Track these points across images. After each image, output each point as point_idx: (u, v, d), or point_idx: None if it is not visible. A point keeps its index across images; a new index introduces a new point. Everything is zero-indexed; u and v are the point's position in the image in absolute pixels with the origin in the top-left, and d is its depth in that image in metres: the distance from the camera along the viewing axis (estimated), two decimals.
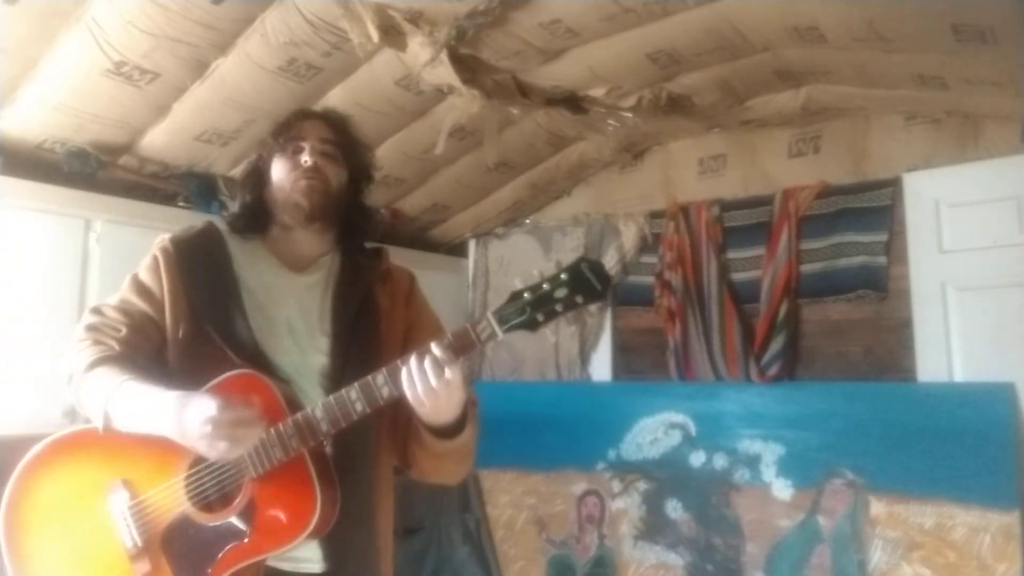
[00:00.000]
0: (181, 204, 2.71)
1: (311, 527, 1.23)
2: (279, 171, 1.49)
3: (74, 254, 2.39)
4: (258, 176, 1.53)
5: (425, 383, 1.23)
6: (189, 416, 1.19)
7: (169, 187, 2.66)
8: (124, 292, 1.43)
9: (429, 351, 1.24)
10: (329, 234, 1.53)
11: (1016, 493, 2.30)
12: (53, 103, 2.17)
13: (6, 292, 2.23)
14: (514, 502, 3.20)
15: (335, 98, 2.43)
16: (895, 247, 2.74)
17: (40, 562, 1.31)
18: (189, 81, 2.22)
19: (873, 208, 2.78)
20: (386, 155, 2.87)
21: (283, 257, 1.50)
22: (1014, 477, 2.32)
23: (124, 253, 2.39)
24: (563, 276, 1.24)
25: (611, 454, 3.05)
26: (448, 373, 1.23)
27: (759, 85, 2.72)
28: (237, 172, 2.68)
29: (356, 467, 1.37)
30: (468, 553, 3.13)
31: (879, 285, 2.75)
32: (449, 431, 1.36)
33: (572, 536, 3.06)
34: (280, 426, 1.25)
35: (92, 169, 2.38)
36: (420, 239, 3.62)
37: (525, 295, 1.25)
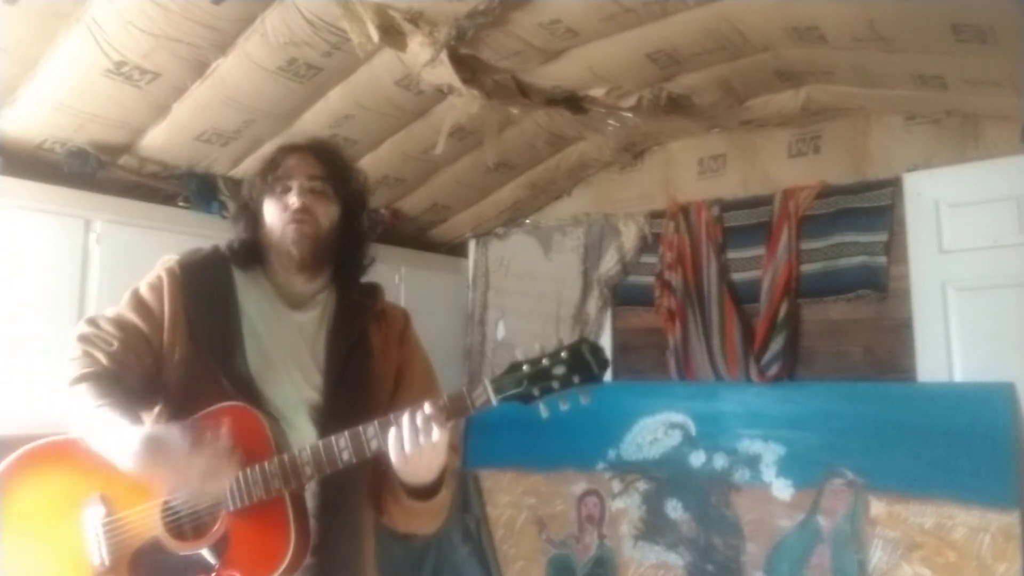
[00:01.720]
0: (181, 204, 2.71)
1: (281, 570, 1.23)
2: (269, 213, 1.47)
3: (74, 254, 2.39)
4: (251, 216, 1.51)
5: (412, 441, 1.23)
6: (157, 462, 1.18)
7: (169, 187, 2.66)
8: (123, 307, 1.43)
9: (421, 410, 1.25)
10: (324, 272, 1.52)
11: (1016, 493, 2.30)
12: (53, 103, 2.16)
13: (6, 292, 2.23)
14: (514, 502, 3.20)
15: (335, 98, 2.44)
16: (895, 247, 2.74)
17: (10, 565, 1.30)
18: (189, 81, 2.22)
19: (873, 208, 2.78)
20: (386, 155, 2.87)
21: (281, 291, 1.49)
22: (1014, 477, 2.32)
23: (124, 253, 2.40)
24: (563, 355, 1.26)
25: (611, 454, 3.05)
26: (435, 435, 1.24)
27: (759, 85, 2.72)
28: (237, 172, 2.69)
29: (344, 509, 1.38)
30: (468, 553, 3.14)
31: (879, 285, 2.75)
32: (424, 492, 1.36)
33: (572, 536, 3.06)
34: (265, 465, 1.25)
35: (92, 169, 2.38)
36: (420, 239, 3.62)
37: (524, 367, 1.26)
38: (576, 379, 1.25)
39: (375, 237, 3.19)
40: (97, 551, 1.27)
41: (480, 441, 3.38)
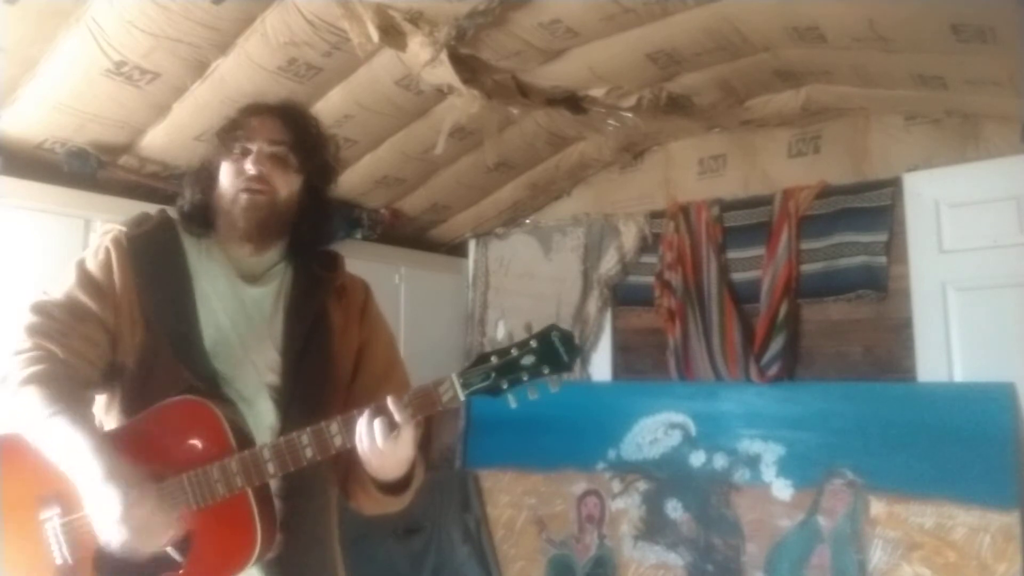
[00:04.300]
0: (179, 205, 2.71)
1: (249, 563, 1.22)
2: (224, 175, 1.38)
3: (74, 254, 2.35)
4: (208, 177, 1.41)
5: (376, 440, 1.19)
6: (103, 501, 1.14)
7: (169, 187, 2.65)
8: (71, 288, 1.33)
9: (385, 408, 1.20)
10: (280, 243, 1.44)
11: (1016, 493, 2.30)
12: (53, 103, 2.16)
13: (6, 292, 2.23)
14: (514, 502, 3.19)
15: (335, 98, 2.43)
16: (895, 247, 2.74)
17: None
18: (189, 81, 2.21)
19: (873, 208, 2.78)
20: (386, 155, 2.87)
21: (236, 264, 1.41)
22: (1014, 477, 2.32)
23: None
24: (532, 343, 1.22)
25: (611, 454, 3.06)
26: (401, 434, 1.20)
27: (759, 85, 2.72)
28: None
29: (308, 490, 1.35)
30: (468, 553, 3.13)
31: (879, 285, 2.75)
32: (393, 487, 1.32)
33: (572, 536, 3.06)
34: (226, 463, 1.21)
35: (92, 169, 2.38)
36: (420, 239, 3.62)
37: (492, 359, 1.21)
38: (546, 369, 1.21)
39: (375, 237, 3.22)
40: (58, 550, 1.23)
41: (480, 441, 3.37)
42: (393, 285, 3.26)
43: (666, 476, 2.92)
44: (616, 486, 3.01)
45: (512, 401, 1.22)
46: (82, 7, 1.91)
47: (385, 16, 2.08)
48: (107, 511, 1.14)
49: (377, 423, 1.19)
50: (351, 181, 2.93)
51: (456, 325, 3.73)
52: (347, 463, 1.35)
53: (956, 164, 2.67)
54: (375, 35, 2.06)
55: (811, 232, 2.88)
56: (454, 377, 1.21)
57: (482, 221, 3.67)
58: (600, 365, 3.38)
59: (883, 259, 2.75)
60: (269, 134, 1.39)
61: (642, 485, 2.97)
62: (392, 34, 2.12)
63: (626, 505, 2.98)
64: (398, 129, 2.75)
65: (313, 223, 1.45)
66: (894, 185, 2.76)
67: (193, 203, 1.42)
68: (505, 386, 1.21)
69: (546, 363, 1.21)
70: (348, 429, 1.22)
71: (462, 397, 1.21)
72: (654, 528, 2.90)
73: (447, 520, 3.17)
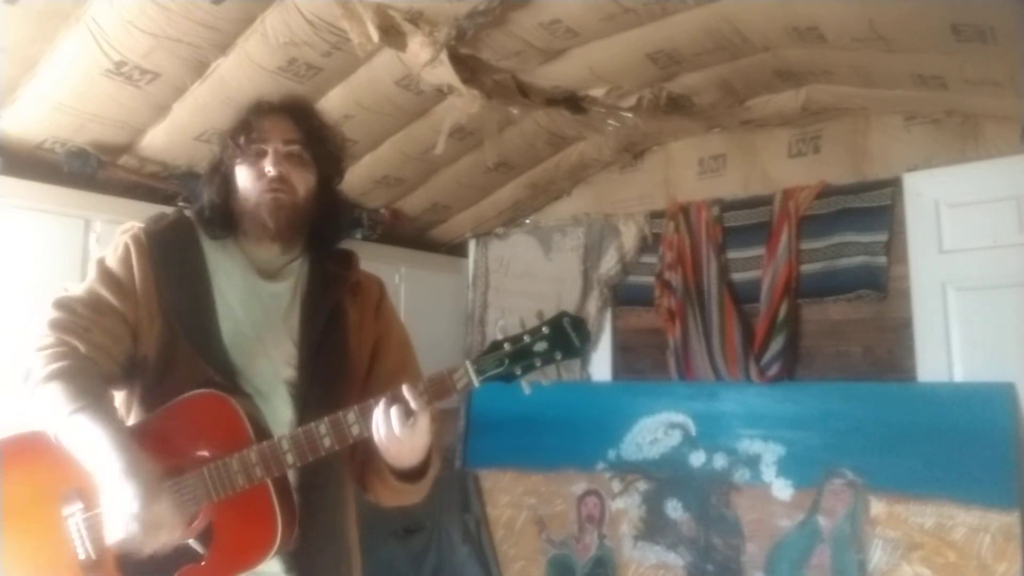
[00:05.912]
0: (181, 204, 2.70)
1: (270, 554, 1.23)
2: (243, 179, 1.40)
3: (74, 254, 2.39)
4: (222, 179, 1.43)
5: (393, 427, 1.22)
6: (120, 496, 1.15)
7: (169, 187, 2.66)
8: (93, 283, 1.35)
9: (402, 395, 1.23)
10: (297, 240, 1.46)
11: (1016, 493, 2.30)
12: (53, 103, 2.16)
13: (6, 292, 2.23)
14: (514, 502, 3.20)
15: (335, 98, 2.43)
16: (895, 247, 2.74)
17: None
18: (189, 81, 2.21)
19: (873, 208, 2.78)
20: (386, 155, 2.87)
21: (252, 261, 1.43)
22: (1014, 477, 2.32)
23: None
24: (544, 330, 1.25)
25: (611, 454, 3.06)
26: (417, 420, 1.23)
27: (759, 85, 2.72)
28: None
29: (324, 484, 1.36)
30: (468, 553, 3.13)
31: (879, 285, 2.75)
32: (411, 474, 1.34)
33: (572, 536, 3.06)
34: (246, 454, 1.23)
35: (92, 169, 2.38)
36: (420, 239, 3.62)
37: (505, 346, 1.25)
38: (558, 355, 1.25)
39: (375, 237, 3.22)
40: (81, 545, 1.24)
41: (480, 441, 3.38)
42: (393, 285, 3.26)
43: (666, 476, 2.92)
44: (616, 486, 3.01)
45: (526, 388, 1.25)
46: (82, 7, 1.91)
47: (385, 16, 2.08)
48: (122, 507, 1.15)
49: (393, 410, 1.22)
50: (351, 181, 2.90)
51: (456, 325, 3.73)
52: (364, 454, 1.37)
53: (956, 164, 2.67)
54: (375, 35, 2.06)
55: (811, 232, 2.88)
56: (468, 364, 1.24)
57: (482, 221, 3.67)
58: (600, 365, 3.37)
59: (883, 259, 2.75)
60: (283, 134, 1.42)
61: (642, 485, 2.97)
62: (392, 34, 2.13)
63: (626, 505, 2.98)
64: (398, 129, 2.75)
65: (329, 218, 1.49)
66: (894, 185, 2.76)
67: (211, 207, 1.44)
68: (519, 372, 1.25)
69: (558, 349, 1.25)
70: (365, 418, 1.24)
71: (476, 383, 1.24)
72: (654, 528, 2.91)
73: (447, 520, 3.17)
